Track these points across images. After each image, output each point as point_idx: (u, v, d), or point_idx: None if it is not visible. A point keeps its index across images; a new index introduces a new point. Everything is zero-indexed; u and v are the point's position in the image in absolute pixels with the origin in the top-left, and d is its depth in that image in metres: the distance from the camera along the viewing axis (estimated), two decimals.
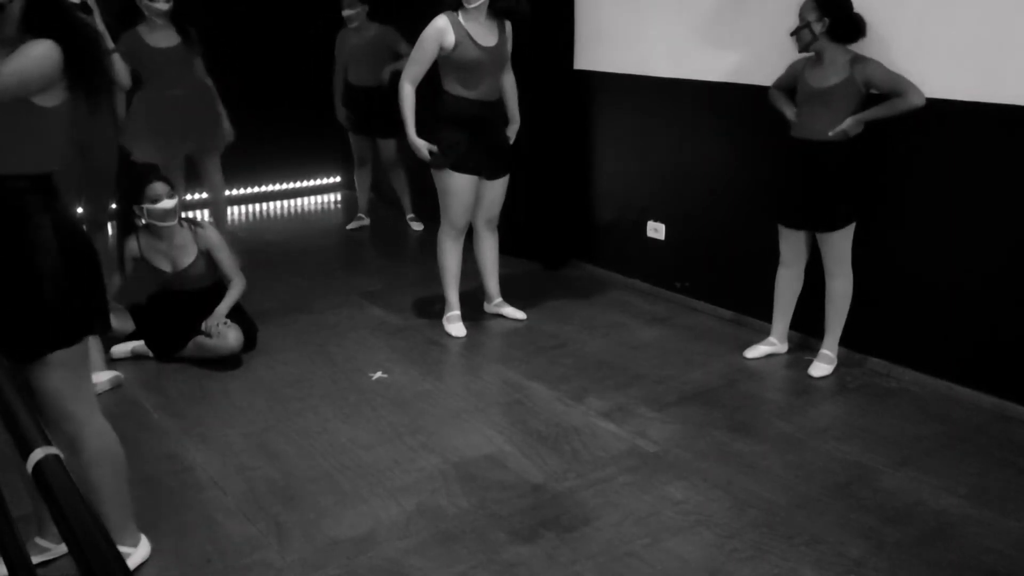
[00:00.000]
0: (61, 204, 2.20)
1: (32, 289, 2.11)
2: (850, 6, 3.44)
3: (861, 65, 3.42)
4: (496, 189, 4.21)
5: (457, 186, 4.05)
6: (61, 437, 2.28)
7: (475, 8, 3.85)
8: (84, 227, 2.87)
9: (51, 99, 2.07)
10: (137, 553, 2.49)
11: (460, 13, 3.88)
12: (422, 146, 3.97)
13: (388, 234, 6.21)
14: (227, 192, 6.81)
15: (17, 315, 2.13)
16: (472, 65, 3.89)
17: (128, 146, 4.63)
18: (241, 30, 5.67)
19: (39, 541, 2.48)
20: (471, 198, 4.12)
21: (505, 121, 4.17)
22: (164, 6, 4.54)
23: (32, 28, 2.03)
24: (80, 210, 4.26)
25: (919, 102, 3.36)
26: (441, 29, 3.85)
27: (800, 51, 3.51)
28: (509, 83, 4.16)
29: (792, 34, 3.49)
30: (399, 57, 5.54)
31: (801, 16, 3.44)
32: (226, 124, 5.01)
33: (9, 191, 2.09)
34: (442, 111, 4.00)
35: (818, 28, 3.41)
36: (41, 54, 1.99)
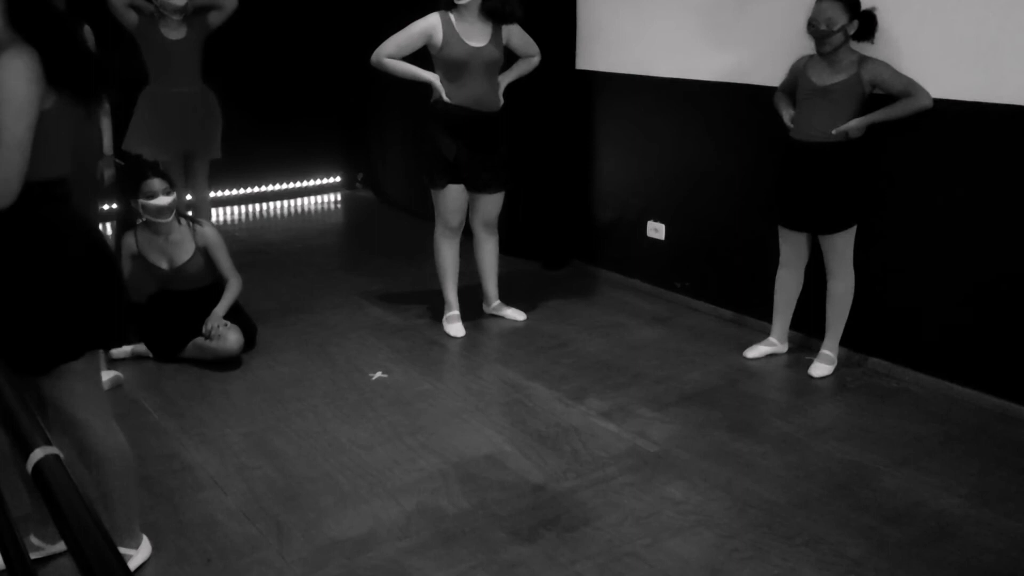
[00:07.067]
0: (74, 211, 2.17)
1: (43, 300, 2.09)
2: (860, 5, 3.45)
3: (869, 65, 3.42)
4: (489, 199, 4.21)
5: (447, 190, 4.07)
6: (71, 441, 2.28)
7: (465, 7, 3.86)
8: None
9: (43, 102, 2.03)
10: (138, 555, 2.49)
11: (452, 12, 3.90)
12: (434, 79, 3.96)
13: (388, 234, 6.21)
14: (226, 192, 6.86)
15: (28, 326, 2.10)
16: (460, 64, 3.90)
17: (129, 144, 4.64)
18: (241, 30, 5.65)
19: (33, 540, 2.48)
20: (462, 202, 4.13)
21: (500, 136, 4.11)
22: (180, 2, 4.58)
23: (17, 27, 2.00)
24: None
25: (927, 103, 3.36)
26: (431, 25, 3.88)
27: (825, 54, 3.43)
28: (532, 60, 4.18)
29: (822, 39, 3.38)
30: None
31: (830, 20, 3.34)
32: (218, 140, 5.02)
33: (19, 198, 2.03)
34: (433, 118, 4.01)
35: (851, 30, 3.40)
36: (17, 79, 1.94)
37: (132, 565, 2.46)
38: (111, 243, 4.79)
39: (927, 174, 3.55)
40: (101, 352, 3.61)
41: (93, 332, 2.21)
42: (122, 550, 2.43)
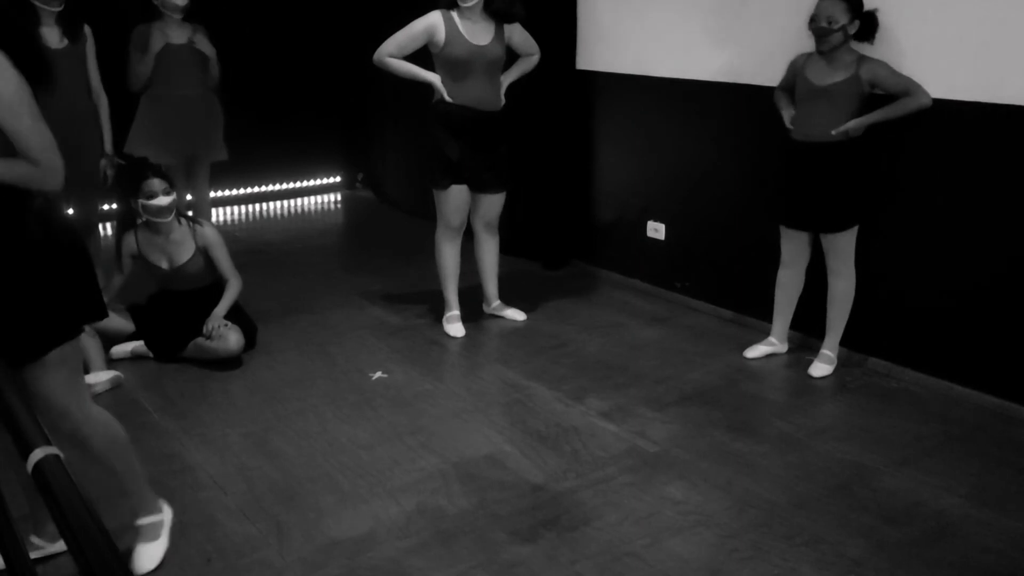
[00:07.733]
0: (41, 200, 2.16)
1: (19, 289, 2.08)
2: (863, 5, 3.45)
3: (868, 65, 3.41)
4: (490, 199, 4.21)
5: (449, 191, 4.07)
6: (61, 435, 2.27)
7: (468, 8, 3.86)
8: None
9: None
10: (166, 516, 2.54)
11: (454, 11, 3.90)
12: (436, 80, 3.96)
13: (388, 234, 6.21)
14: (227, 192, 6.86)
15: (9, 318, 2.10)
16: (462, 63, 3.90)
17: (131, 147, 4.65)
18: (241, 29, 5.67)
19: (34, 539, 2.48)
20: (463, 202, 4.13)
21: (502, 137, 4.12)
22: (181, 2, 4.57)
23: None
24: (71, 212, 4.27)
25: (926, 102, 3.37)
26: (433, 24, 3.88)
27: (825, 52, 3.43)
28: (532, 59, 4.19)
29: (822, 36, 3.39)
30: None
31: (831, 18, 3.35)
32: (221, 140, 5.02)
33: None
34: (435, 118, 4.01)
35: (851, 30, 3.41)
36: (7, 76, 1.97)
37: (166, 528, 2.53)
38: (104, 245, 4.82)
39: (927, 174, 3.55)
40: (96, 350, 3.64)
41: (74, 314, 2.21)
42: (151, 519, 2.49)
